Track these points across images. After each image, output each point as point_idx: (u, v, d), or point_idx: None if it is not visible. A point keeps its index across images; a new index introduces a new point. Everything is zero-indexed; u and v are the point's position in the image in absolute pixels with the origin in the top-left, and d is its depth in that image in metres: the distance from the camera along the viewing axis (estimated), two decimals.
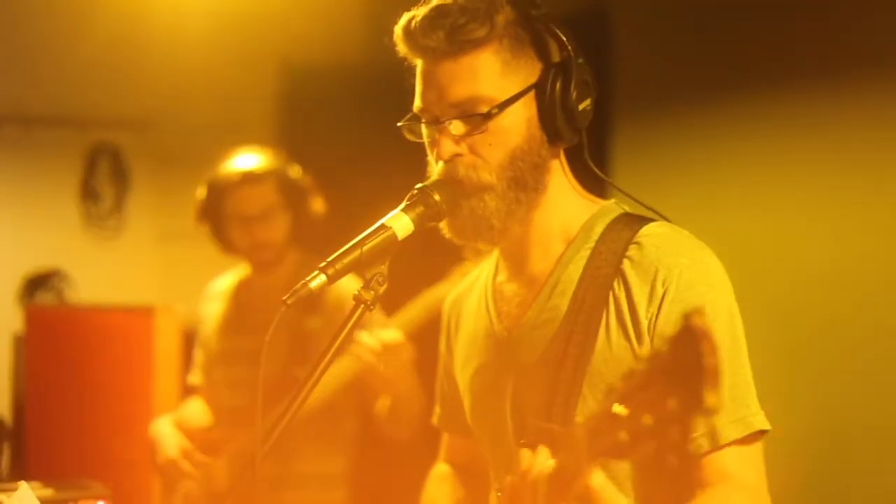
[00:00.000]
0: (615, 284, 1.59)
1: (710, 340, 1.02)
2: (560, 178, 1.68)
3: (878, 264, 2.83)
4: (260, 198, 3.09)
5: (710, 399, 1.00)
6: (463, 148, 1.61)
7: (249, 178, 3.10)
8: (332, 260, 1.49)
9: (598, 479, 1.28)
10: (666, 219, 1.67)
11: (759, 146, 3.12)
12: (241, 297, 3.22)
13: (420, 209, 1.55)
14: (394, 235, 1.52)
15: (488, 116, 1.58)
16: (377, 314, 2.73)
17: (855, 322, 2.91)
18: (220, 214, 3.15)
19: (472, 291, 1.86)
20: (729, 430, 1.52)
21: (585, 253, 1.64)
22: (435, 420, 2.02)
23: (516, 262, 1.72)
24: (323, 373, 1.49)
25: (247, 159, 3.15)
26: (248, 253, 3.16)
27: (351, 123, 4.65)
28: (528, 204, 1.63)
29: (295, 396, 1.48)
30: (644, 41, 3.49)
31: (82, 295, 4.94)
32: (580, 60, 1.61)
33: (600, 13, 3.58)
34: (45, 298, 4.90)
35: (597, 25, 3.53)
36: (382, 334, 2.64)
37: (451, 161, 1.61)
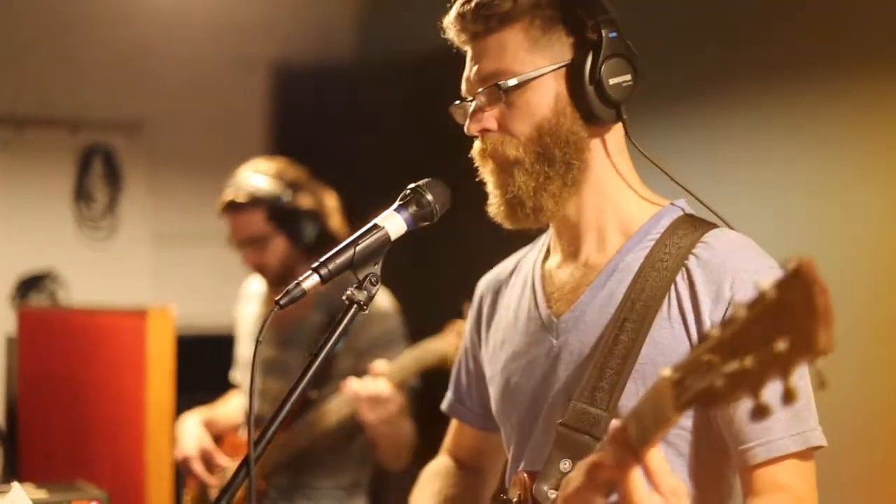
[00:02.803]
0: (678, 278, 1.58)
1: (820, 283, 1.00)
2: (606, 161, 1.68)
3: (877, 253, 2.82)
4: (246, 226, 3.08)
5: (822, 340, 0.97)
6: (492, 124, 1.65)
7: (233, 207, 3.09)
8: (325, 260, 1.49)
9: (656, 457, 1.24)
10: (732, 227, 1.66)
11: (758, 138, 3.11)
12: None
13: (413, 209, 1.56)
14: (387, 235, 1.52)
15: (503, 88, 1.62)
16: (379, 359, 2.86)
17: (852, 309, 2.90)
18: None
19: (514, 277, 1.85)
20: (787, 442, 1.51)
21: (648, 244, 1.64)
22: (444, 405, 2.02)
23: (571, 246, 1.73)
24: (315, 374, 1.49)
25: (240, 182, 3.11)
26: (252, 271, 3.20)
27: (341, 124, 4.65)
28: (561, 179, 1.64)
29: (288, 397, 1.47)
30: (644, 28, 3.48)
31: (75, 296, 4.93)
32: (613, 35, 1.63)
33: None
34: (37, 300, 4.88)
35: None
36: (370, 385, 2.72)
37: (482, 138, 1.67)
